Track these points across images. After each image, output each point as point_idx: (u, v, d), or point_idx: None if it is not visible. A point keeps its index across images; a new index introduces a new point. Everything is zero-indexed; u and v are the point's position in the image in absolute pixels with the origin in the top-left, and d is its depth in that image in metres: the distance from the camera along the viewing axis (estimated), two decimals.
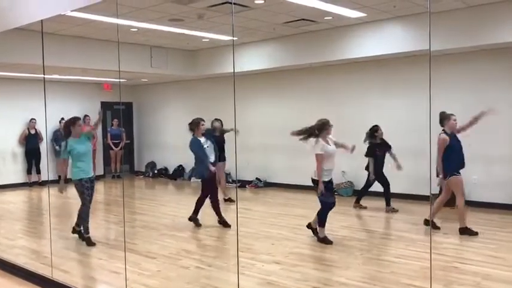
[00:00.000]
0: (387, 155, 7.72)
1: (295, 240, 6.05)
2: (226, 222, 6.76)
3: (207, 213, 7.00)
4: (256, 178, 10.70)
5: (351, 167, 8.80)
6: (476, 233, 5.96)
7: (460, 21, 7.27)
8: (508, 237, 6.16)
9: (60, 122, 10.43)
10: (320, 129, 5.82)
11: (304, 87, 10.02)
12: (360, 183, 8.37)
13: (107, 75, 10.61)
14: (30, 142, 11.42)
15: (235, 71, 9.27)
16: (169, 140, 12.50)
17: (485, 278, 4.51)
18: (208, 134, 7.13)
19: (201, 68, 11.05)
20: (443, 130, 6.11)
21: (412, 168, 7.35)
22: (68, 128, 6.00)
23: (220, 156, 8.00)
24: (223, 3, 6.78)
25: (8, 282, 4.87)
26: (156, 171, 13.05)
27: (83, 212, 6.00)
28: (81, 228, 6.12)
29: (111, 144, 12.36)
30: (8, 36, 6.36)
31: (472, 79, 7.91)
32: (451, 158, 6.01)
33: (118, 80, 10.04)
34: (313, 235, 5.99)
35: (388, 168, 7.67)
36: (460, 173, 6.05)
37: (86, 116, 12.21)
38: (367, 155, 7.76)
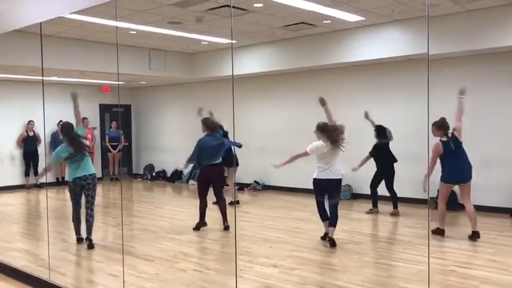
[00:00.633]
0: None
1: (294, 244, 6.04)
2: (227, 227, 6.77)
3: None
4: (255, 181, 10.69)
5: (349, 170, 8.79)
6: (443, 234, 6.06)
7: (458, 25, 7.29)
8: (507, 241, 6.16)
9: (58, 124, 10.40)
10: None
11: (302, 91, 10.02)
12: (358, 187, 8.37)
13: (105, 77, 10.62)
14: (28, 144, 11.40)
15: (234, 74, 9.30)
16: (167, 142, 12.50)
17: (484, 282, 4.50)
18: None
19: (200, 70, 11.06)
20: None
21: (411, 171, 7.36)
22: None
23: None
24: (222, 6, 6.79)
25: (5, 284, 4.86)
26: (154, 174, 13.04)
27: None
28: (81, 235, 6.07)
29: (109, 146, 12.35)
30: (7, 38, 6.35)
31: (470, 83, 7.90)
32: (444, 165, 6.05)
33: (117, 82, 10.04)
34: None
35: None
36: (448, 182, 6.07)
37: (84, 118, 12.19)
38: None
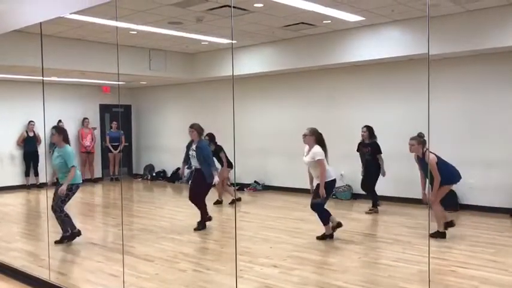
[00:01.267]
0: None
1: (294, 244, 6.04)
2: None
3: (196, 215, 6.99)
4: (255, 181, 10.69)
5: (349, 170, 8.81)
6: (443, 237, 6.01)
7: (458, 25, 7.29)
8: (507, 241, 6.16)
9: (58, 123, 10.41)
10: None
11: (302, 91, 10.03)
12: (358, 187, 8.37)
13: (105, 77, 10.62)
14: (28, 144, 11.39)
15: (234, 74, 9.30)
16: (167, 142, 12.49)
17: (483, 282, 4.50)
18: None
19: (200, 71, 11.06)
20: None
21: (411, 171, 7.35)
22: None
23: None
24: (222, 7, 6.79)
25: (5, 284, 4.86)
26: (154, 174, 13.04)
27: None
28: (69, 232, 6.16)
29: (110, 146, 12.34)
30: (7, 39, 6.36)
31: (470, 83, 7.93)
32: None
33: (117, 82, 10.04)
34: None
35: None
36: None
37: (85, 118, 12.22)
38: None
